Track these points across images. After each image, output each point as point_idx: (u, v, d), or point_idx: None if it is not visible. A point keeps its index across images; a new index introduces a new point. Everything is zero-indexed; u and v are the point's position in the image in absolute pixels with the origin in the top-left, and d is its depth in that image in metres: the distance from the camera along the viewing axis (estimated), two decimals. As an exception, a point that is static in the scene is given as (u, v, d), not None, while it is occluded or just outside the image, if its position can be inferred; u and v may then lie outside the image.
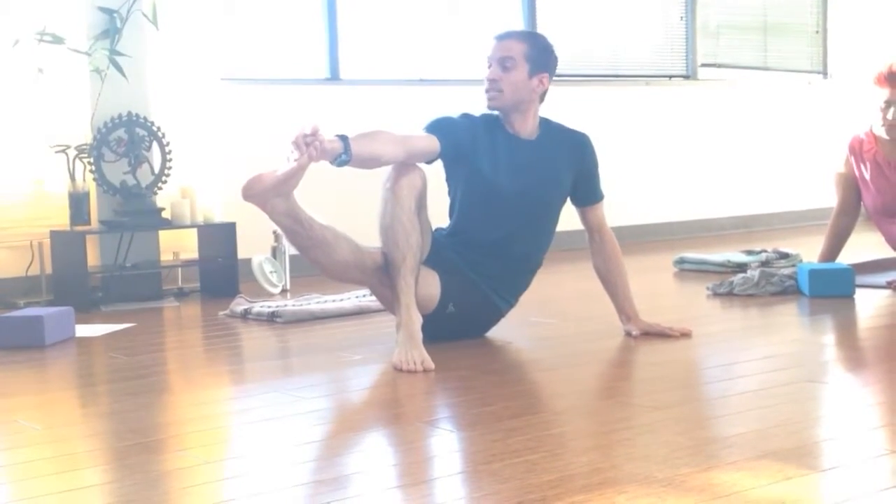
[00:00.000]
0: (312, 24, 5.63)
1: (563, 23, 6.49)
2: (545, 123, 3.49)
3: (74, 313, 3.82)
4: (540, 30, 6.26)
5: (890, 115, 4.34)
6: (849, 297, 4.09)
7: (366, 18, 5.78)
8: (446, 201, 3.48)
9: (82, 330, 3.83)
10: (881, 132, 4.41)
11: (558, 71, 6.48)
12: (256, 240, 4.80)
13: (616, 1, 6.74)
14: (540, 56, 3.40)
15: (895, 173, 4.43)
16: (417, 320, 3.12)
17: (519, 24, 6.19)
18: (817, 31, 7.62)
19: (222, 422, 2.64)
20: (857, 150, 4.52)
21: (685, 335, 3.40)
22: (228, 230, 4.78)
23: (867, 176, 4.49)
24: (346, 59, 5.69)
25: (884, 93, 4.34)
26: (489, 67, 3.37)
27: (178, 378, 3.25)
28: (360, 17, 5.75)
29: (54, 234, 4.63)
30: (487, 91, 3.37)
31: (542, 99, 3.45)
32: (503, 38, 3.40)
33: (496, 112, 3.43)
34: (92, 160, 4.62)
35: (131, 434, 2.45)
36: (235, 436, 2.51)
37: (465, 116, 3.43)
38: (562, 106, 5.61)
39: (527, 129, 3.44)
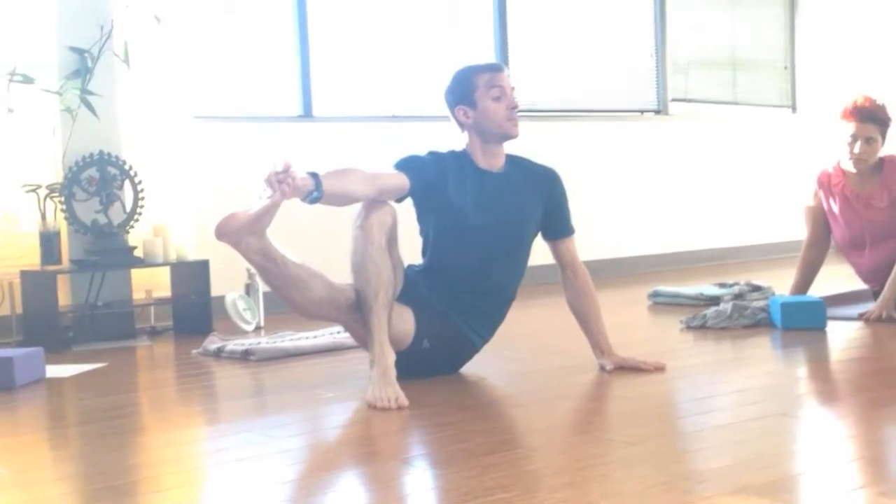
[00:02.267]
0: (285, 61, 5.65)
1: (534, 59, 6.54)
2: (511, 158, 3.51)
3: (45, 354, 3.78)
4: (512, 66, 6.31)
5: (857, 149, 4.39)
6: (821, 329, 4.11)
7: (338, 55, 5.80)
8: (418, 240, 3.48)
9: (53, 370, 3.79)
10: (849, 166, 4.46)
11: (531, 106, 6.56)
12: (230, 277, 4.78)
13: (587, 37, 6.80)
14: None
15: (863, 206, 4.48)
16: (391, 357, 3.11)
17: (491, 60, 6.21)
18: (785, 67, 7.71)
19: (196, 463, 2.62)
20: (825, 184, 4.56)
21: (659, 369, 3.41)
22: (201, 268, 4.77)
23: (836, 209, 4.54)
24: (318, 96, 5.71)
25: (850, 127, 4.40)
26: (501, 98, 3.37)
27: (151, 418, 3.22)
28: (332, 55, 5.77)
29: (25, 274, 4.59)
30: (514, 119, 3.39)
31: None
32: (503, 69, 3.46)
33: (463, 148, 3.45)
34: (63, 199, 4.60)
35: (103, 477, 2.43)
36: (209, 477, 2.48)
37: (433, 154, 3.44)
38: (534, 141, 5.64)
39: (498, 162, 3.47)
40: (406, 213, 3.40)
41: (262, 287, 4.64)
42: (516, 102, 3.41)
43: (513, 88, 3.42)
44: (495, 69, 3.44)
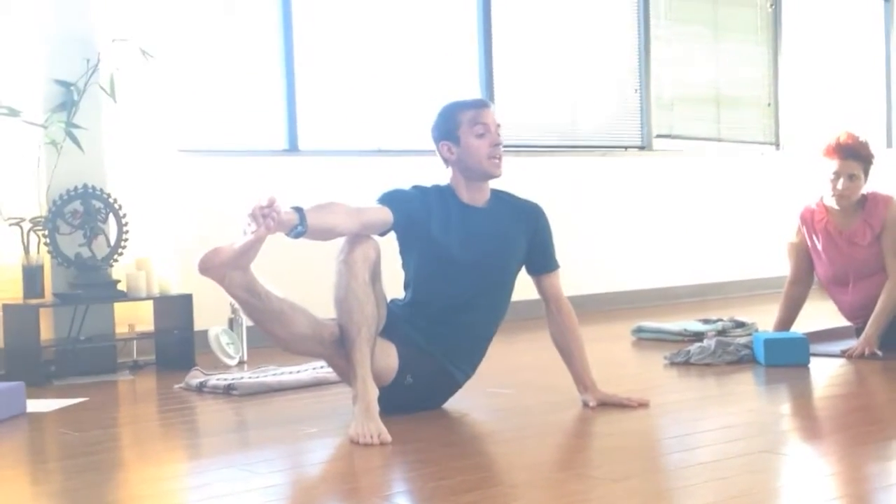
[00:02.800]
0: (271, 94, 5.66)
1: (520, 94, 6.57)
2: (496, 193, 3.52)
3: (26, 388, 3.75)
4: (498, 101, 6.34)
5: (839, 186, 4.42)
6: (804, 365, 4.12)
7: (324, 89, 5.82)
8: (402, 274, 3.48)
9: (34, 405, 3.76)
10: (831, 203, 4.48)
11: (516, 141, 6.59)
12: (213, 311, 4.76)
13: (572, 73, 6.84)
14: None
15: (846, 243, 4.49)
16: (374, 392, 3.10)
17: (476, 96, 6.25)
18: (769, 104, 7.76)
19: (176, 499, 2.60)
20: (808, 221, 4.58)
21: (642, 405, 3.40)
22: (185, 302, 4.75)
23: (819, 246, 4.55)
24: (304, 129, 5.72)
25: (833, 164, 4.42)
26: (485, 135, 3.38)
27: (132, 454, 3.20)
28: (318, 88, 5.79)
29: (7, 308, 4.57)
30: (496, 157, 3.39)
31: None
32: (489, 105, 3.46)
33: (448, 183, 3.46)
34: (47, 232, 4.58)
35: (82, 513, 2.41)
36: (189, 513, 2.47)
37: (417, 188, 3.45)
38: (519, 176, 5.65)
39: (482, 197, 3.47)
40: (390, 246, 3.40)
41: (246, 321, 4.62)
42: (500, 140, 3.41)
43: (498, 126, 3.43)
44: (480, 105, 3.45)
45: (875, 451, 2.82)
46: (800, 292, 4.63)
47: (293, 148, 5.68)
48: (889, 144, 8.31)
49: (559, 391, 3.60)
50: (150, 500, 2.55)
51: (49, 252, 4.60)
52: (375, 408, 3.07)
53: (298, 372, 4.17)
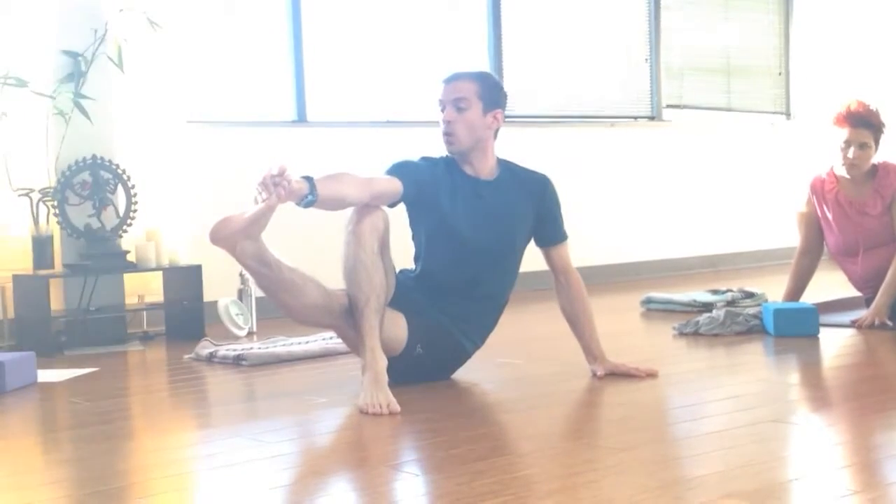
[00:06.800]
0: (279, 66, 5.64)
1: (528, 65, 6.54)
2: (505, 164, 3.51)
3: (37, 358, 3.77)
4: (506, 71, 6.32)
5: (850, 155, 4.40)
6: (813, 336, 4.11)
7: (332, 60, 5.80)
8: (412, 245, 3.48)
9: (44, 375, 3.78)
10: (842, 172, 4.46)
11: (525, 112, 6.58)
12: (222, 282, 4.77)
13: (581, 43, 6.81)
14: (491, 93, 3.41)
15: (856, 213, 4.48)
16: (383, 362, 3.11)
17: (485, 66, 6.23)
18: (780, 73, 7.72)
19: (186, 468, 2.61)
20: (818, 190, 4.56)
21: (651, 375, 3.40)
22: (194, 273, 4.76)
23: (829, 216, 4.54)
24: (312, 101, 5.70)
25: (843, 133, 4.40)
26: (442, 110, 3.39)
27: (142, 423, 3.21)
28: (326, 60, 5.77)
29: (17, 279, 4.58)
30: (445, 134, 3.39)
31: (496, 136, 3.46)
32: (453, 79, 3.42)
33: (455, 155, 3.45)
34: (56, 203, 4.59)
35: (93, 481, 2.42)
36: (199, 482, 2.48)
37: (426, 159, 3.44)
38: (528, 147, 5.64)
39: (486, 168, 3.45)
40: (399, 217, 3.40)
41: (255, 292, 4.64)
42: (450, 117, 3.36)
43: (458, 99, 3.35)
44: (445, 81, 3.43)
45: (883, 421, 2.82)
46: (809, 262, 4.62)
47: (301, 119, 5.67)
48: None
49: (568, 361, 3.61)
50: (159, 468, 2.56)
51: (58, 223, 4.61)
52: (384, 378, 3.08)
53: (308, 342, 4.18)
